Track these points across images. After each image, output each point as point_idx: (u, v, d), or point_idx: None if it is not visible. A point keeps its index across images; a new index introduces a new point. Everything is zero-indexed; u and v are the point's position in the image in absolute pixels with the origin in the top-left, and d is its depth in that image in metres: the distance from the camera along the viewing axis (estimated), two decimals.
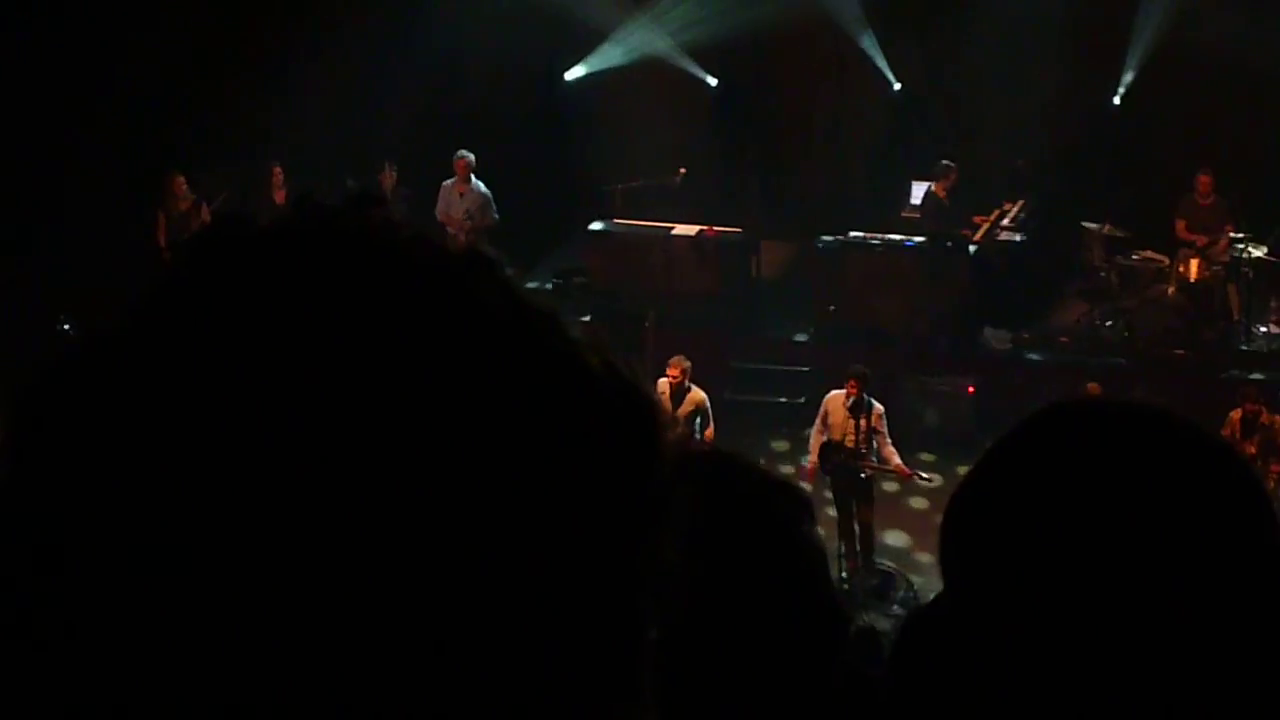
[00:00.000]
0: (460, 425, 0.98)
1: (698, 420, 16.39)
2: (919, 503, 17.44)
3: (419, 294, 1.01)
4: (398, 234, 1.05)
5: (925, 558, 15.82)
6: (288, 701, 0.95)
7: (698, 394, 16.50)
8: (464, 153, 20.66)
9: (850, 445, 16.16)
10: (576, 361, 1.04)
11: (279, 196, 20.41)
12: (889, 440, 16.37)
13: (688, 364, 16.51)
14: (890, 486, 17.17)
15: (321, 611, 0.95)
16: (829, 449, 16.25)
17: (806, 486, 14.27)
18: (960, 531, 1.78)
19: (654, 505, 1.05)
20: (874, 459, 16.31)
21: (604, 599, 1.02)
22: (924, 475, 16.56)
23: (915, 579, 15.25)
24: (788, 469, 17.16)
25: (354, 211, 1.07)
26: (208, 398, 0.96)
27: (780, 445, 18.89)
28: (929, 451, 17.86)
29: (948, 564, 1.78)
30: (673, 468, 1.05)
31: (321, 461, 0.95)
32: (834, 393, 16.50)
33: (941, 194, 20.17)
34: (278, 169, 20.88)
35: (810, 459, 16.47)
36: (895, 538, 16.89)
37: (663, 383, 16.06)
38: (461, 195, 20.56)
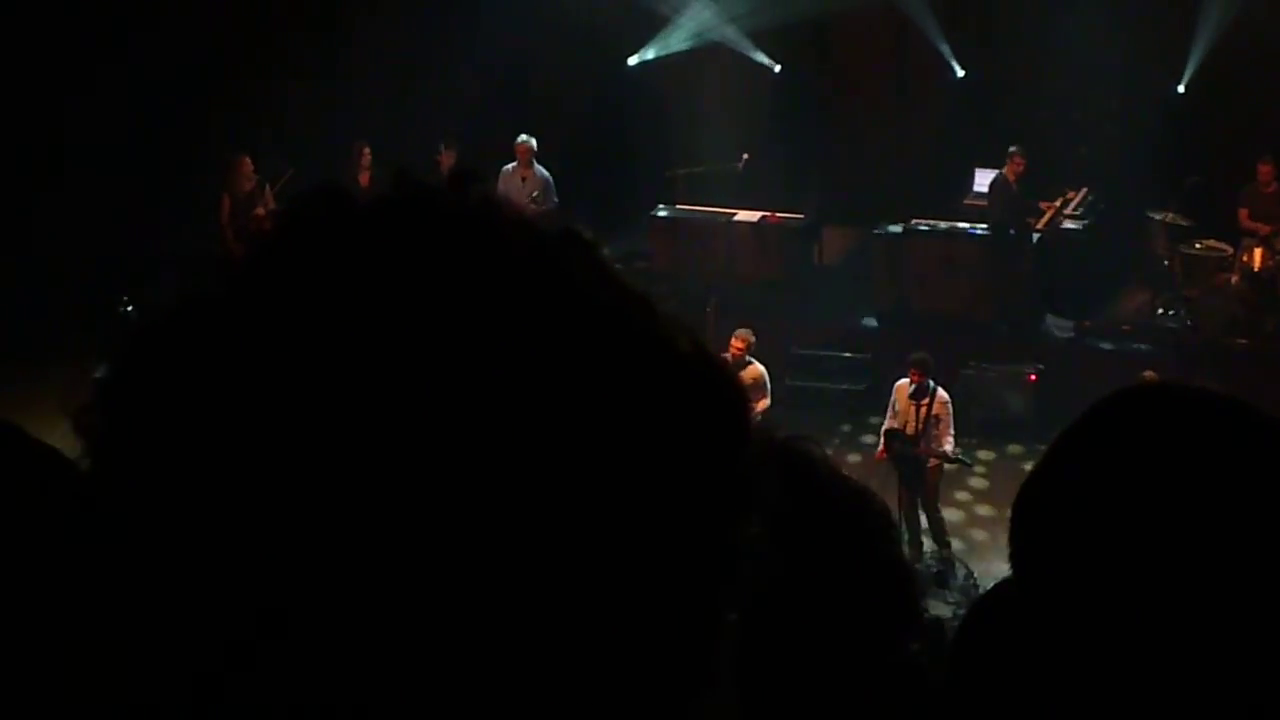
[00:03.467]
0: (554, 404, 0.98)
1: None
2: (975, 482, 17.44)
3: (516, 274, 1.01)
4: (496, 213, 1.05)
5: (985, 547, 15.78)
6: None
7: (756, 369, 16.47)
8: (525, 138, 20.66)
9: (911, 432, 16.15)
10: (668, 343, 1.04)
11: (364, 178, 20.32)
12: (949, 430, 16.35)
13: (753, 339, 16.52)
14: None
15: (419, 577, 0.95)
16: (892, 436, 16.25)
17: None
18: (1030, 520, 1.78)
19: (739, 487, 1.06)
20: (926, 444, 16.30)
21: (688, 579, 1.02)
22: (965, 460, 16.60)
23: (975, 567, 15.22)
24: (852, 456, 17.17)
25: (453, 189, 1.06)
26: (299, 370, 0.97)
27: (837, 434, 18.82)
28: (990, 439, 17.80)
29: (1017, 552, 1.78)
30: (757, 451, 1.06)
31: (414, 437, 0.95)
32: (902, 381, 16.48)
33: (1012, 179, 20.08)
34: (365, 149, 20.79)
35: (880, 446, 16.48)
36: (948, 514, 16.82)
37: (724, 357, 15.98)
38: (524, 180, 20.55)
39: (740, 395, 1.07)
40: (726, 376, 1.06)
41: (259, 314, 1.00)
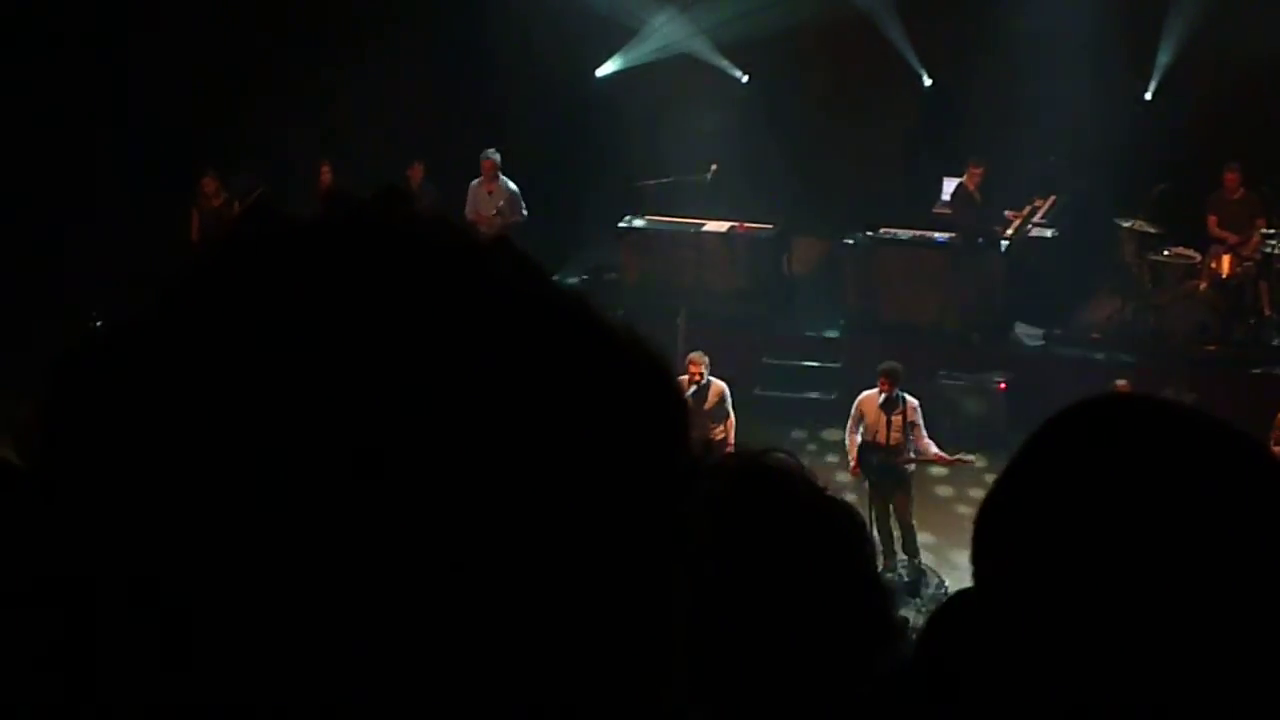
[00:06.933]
0: (485, 396, 1.00)
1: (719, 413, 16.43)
2: (944, 490, 17.47)
3: (440, 274, 1.04)
4: (420, 223, 1.09)
5: (957, 555, 15.79)
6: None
7: (718, 386, 16.51)
8: (490, 152, 20.70)
9: (887, 443, 16.13)
10: (603, 332, 1.07)
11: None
12: (925, 433, 16.36)
13: (706, 359, 16.49)
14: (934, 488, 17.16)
15: (365, 590, 0.97)
16: (867, 449, 16.18)
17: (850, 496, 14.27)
18: (992, 528, 1.79)
19: (680, 467, 1.08)
20: (912, 453, 16.31)
21: (631, 570, 1.04)
22: (966, 456, 16.53)
23: (946, 576, 15.24)
24: (821, 468, 17.15)
25: (378, 204, 1.10)
26: (229, 387, 0.99)
27: (809, 444, 18.82)
28: (959, 448, 17.82)
29: (979, 560, 1.80)
30: (697, 440, 1.08)
31: (345, 445, 0.97)
32: (866, 393, 16.45)
33: (972, 188, 20.14)
34: (325, 167, 20.88)
35: (851, 462, 16.38)
36: (923, 536, 16.82)
37: (683, 379, 15.96)
38: (490, 194, 20.59)
39: (677, 384, 1.11)
40: (662, 364, 1.09)
41: (187, 333, 1.02)
